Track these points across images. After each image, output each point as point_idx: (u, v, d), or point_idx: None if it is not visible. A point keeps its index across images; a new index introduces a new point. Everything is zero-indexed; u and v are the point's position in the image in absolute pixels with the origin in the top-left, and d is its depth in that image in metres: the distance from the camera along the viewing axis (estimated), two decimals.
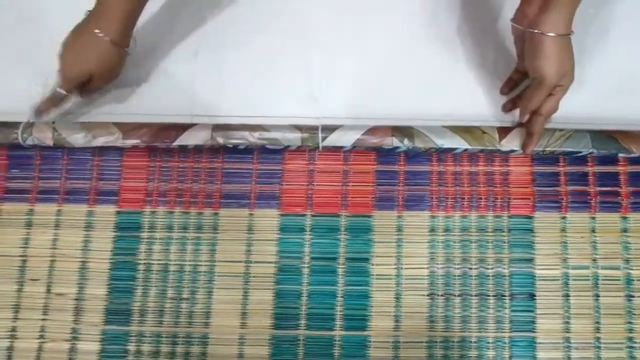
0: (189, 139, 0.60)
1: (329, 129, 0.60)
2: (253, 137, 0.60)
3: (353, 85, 0.65)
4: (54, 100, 0.62)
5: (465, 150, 0.60)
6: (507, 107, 0.62)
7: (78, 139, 0.61)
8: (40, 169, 0.63)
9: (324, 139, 0.60)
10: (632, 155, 0.59)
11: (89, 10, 0.59)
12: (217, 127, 0.61)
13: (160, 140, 0.61)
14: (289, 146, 0.61)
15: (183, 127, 0.61)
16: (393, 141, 0.60)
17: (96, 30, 0.58)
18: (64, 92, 0.61)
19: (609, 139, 0.59)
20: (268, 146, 0.61)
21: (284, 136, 0.60)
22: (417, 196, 0.62)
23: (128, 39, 0.60)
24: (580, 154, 0.60)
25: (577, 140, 0.59)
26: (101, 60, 0.59)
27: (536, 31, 0.54)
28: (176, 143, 0.60)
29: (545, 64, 0.54)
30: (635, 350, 0.58)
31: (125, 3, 0.57)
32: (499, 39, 0.65)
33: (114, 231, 0.62)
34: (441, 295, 0.60)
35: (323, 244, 0.61)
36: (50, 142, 0.61)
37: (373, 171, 0.63)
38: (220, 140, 0.60)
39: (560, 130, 0.60)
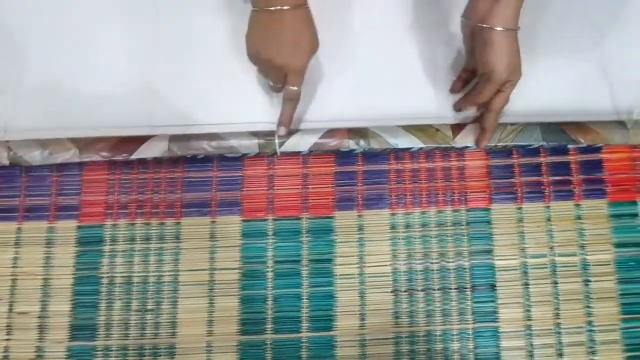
0: (146, 151, 0.61)
1: (286, 134, 0.61)
2: (210, 147, 0.61)
3: (308, 89, 0.65)
4: (291, 105, 0.60)
5: (421, 149, 0.61)
6: (458, 107, 0.64)
7: (35, 156, 0.61)
8: None
9: (281, 144, 0.61)
10: (581, 145, 0.61)
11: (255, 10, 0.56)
12: (174, 139, 0.61)
13: (119, 155, 0.61)
14: (247, 153, 0.62)
15: (140, 140, 0.61)
16: (350, 144, 0.61)
17: (272, 8, 0.54)
18: (295, 89, 0.59)
19: (559, 130, 0.61)
20: (227, 154, 0.61)
21: (241, 144, 0.61)
22: (377, 195, 0.63)
23: None
24: (532, 147, 0.62)
25: (528, 133, 0.61)
26: (302, 33, 0.55)
27: (486, 26, 0.55)
28: (134, 156, 0.61)
29: (496, 59, 0.55)
30: (595, 333, 0.60)
31: None
32: (450, 37, 0.66)
33: (76, 246, 0.62)
34: (405, 292, 0.61)
35: (286, 248, 0.62)
36: (6, 162, 0.60)
37: (332, 173, 0.63)
38: (178, 152, 0.60)
39: (512, 124, 0.62)
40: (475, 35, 0.57)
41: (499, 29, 0.54)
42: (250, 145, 0.61)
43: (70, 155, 0.60)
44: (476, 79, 0.62)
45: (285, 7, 0.54)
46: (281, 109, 0.61)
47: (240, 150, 0.61)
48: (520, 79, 0.57)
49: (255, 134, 0.61)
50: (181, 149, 0.61)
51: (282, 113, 0.61)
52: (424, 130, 0.61)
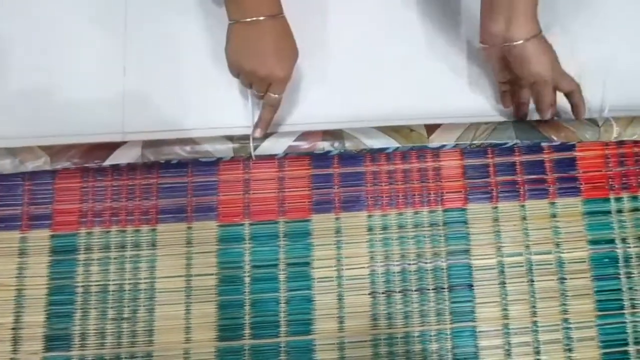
0: (119, 157, 0.60)
1: (260, 138, 0.61)
2: (184, 152, 0.60)
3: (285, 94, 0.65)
4: (271, 110, 0.60)
5: (396, 149, 0.61)
6: (507, 103, 0.65)
7: (5, 165, 0.60)
8: None
9: (255, 147, 0.60)
10: (554, 142, 0.62)
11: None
12: (147, 144, 0.60)
13: (91, 161, 0.60)
14: (222, 157, 0.61)
15: (113, 146, 0.60)
16: (324, 145, 0.61)
17: (248, 19, 0.54)
18: (277, 96, 0.59)
19: (531, 128, 0.61)
20: (201, 159, 0.61)
21: (215, 148, 0.60)
22: (354, 197, 0.63)
23: (279, 4, 0.56)
24: (507, 145, 0.62)
25: (501, 131, 0.61)
26: (283, 42, 0.56)
27: (515, 43, 0.56)
28: (107, 162, 0.60)
29: (540, 67, 0.57)
30: (571, 330, 0.60)
31: None
32: (423, 37, 0.66)
33: (49, 255, 0.61)
34: (382, 293, 0.61)
35: (263, 252, 0.62)
36: None
37: (308, 176, 0.63)
38: (151, 157, 0.60)
39: (485, 123, 0.62)
40: (506, 55, 0.58)
41: (526, 40, 0.55)
42: (225, 149, 0.60)
43: (40, 163, 0.59)
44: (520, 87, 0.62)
45: (261, 18, 0.54)
46: (260, 112, 0.61)
47: (214, 155, 0.60)
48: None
49: (230, 138, 0.61)
50: (154, 154, 0.60)
51: (261, 117, 0.60)
52: (398, 130, 0.61)
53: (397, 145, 0.61)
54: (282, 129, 0.63)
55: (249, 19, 0.54)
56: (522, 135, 0.61)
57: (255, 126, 0.61)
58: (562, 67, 0.59)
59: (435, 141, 0.61)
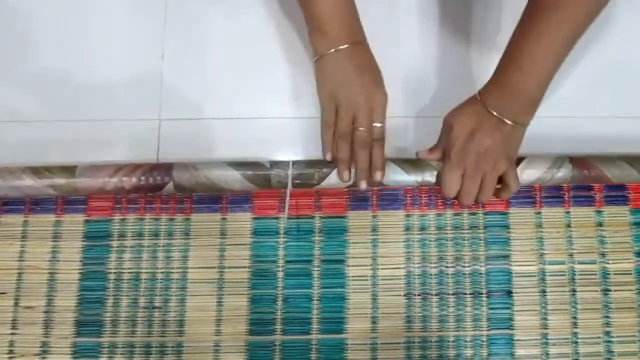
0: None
1: (300, 181, 0.56)
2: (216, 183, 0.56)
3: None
4: (380, 145, 0.55)
5: None
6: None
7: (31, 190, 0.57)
8: None
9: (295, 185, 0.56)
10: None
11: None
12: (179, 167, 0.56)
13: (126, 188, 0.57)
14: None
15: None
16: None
17: (332, 50, 0.53)
18: (381, 125, 0.54)
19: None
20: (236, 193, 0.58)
21: (246, 186, 0.56)
22: (392, 195, 0.61)
23: (361, 30, 0.55)
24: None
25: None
26: (372, 66, 0.55)
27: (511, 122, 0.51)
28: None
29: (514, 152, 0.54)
30: (612, 344, 0.58)
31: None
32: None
33: (82, 240, 0.61)
34: (418, 295, 0.59)
35: (297, 247, 0.60)
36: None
37: None
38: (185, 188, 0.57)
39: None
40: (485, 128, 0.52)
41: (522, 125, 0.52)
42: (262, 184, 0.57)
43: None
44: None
45: (346, 45, 0.53)
46: (358, 156, 0.54)
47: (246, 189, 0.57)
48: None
49: (267, 180, 0.56)
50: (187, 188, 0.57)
51: (373, 158, 0.54)
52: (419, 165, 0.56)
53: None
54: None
55: (334, 50, 0.53)
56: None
57: (376, 169, 0.54)
58: None
59: None
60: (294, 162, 0.56)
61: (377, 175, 0.54)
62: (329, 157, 0.55)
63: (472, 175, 0.52)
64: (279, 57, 0.64)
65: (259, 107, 0.63)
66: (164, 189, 0.56)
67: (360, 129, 0.54)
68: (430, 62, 0.64)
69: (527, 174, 0.56)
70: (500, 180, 0.53)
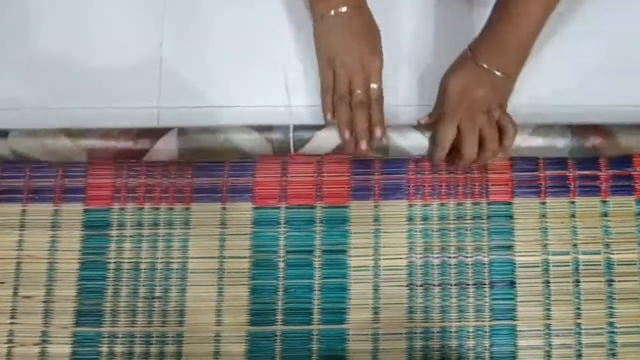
0: (155, 154, 0.58)
1: (300, 143, 0.57)
2: (222, 147, 0.57)
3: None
4: (379, 104, 0.56)
5: None
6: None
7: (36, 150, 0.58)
8: (2, 167, 0.61)
9: (297, 148, 0.57)
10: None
11: None
12: (182, 132, 0.57)
13: (125, 157, 0.59)
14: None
15: (150, 134, 0.58)
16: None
17: (332, 12, 0.55)
18: (378, 86, 0.56)
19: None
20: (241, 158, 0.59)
21: (252, 148, 0.57)
22: (394, 185, 0.60)
23: None
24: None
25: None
26: (372, 30, 0.56)
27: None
28: (145, 158, 0.58)
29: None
30: (616, 335, 0.58)
31: None
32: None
33: (82, 230, 0.60)
34: (420, 286, 0.59)
35: (298, 237, 0.60)
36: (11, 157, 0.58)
37: (348, 160, 0.61)
38: (188, 152, 0.57)
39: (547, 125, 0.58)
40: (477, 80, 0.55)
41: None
42: (263, 147, 0.57)
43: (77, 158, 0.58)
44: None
45: (345, 8, 0.54)
46: (357, 117, 0.55)
47: (251, 155, 0.58)
48: None
49: (270, 141, 0.57)
50: (191, 154, 0.58)
51: (373, 116, 0.55)
52: None
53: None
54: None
55: (332, 12, 0.54)
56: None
57: (375, 126, 0.55)
58: None
59: None
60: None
61: (377, 132, 0.55)
62: (329, 117, 0.57)
63: (468, 127, 0.54)
64: (280, 44, 0.63)
65: (259, 95, 0.62)
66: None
67: (357, 91, 0.55)
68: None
69: (535, 141, 0.57)
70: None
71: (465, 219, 0.60)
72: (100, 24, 0.63)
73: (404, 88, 0.62)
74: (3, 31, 0.63)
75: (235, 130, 0.58)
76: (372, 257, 0.59)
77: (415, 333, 0.58)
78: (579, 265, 0.59)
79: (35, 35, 0.63)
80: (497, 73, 0.53)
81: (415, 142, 0.57)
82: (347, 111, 0.56)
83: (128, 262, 0.59)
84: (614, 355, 0.57)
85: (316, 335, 0.58)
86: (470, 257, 0.59)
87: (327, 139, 0.57)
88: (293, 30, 0.63)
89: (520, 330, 0.58)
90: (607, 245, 0.59)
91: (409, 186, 0.60)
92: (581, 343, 0.58)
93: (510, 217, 0.60)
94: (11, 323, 0.58)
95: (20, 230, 0.60)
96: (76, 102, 0.62)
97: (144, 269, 0.59)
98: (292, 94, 0.61)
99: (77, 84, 0.62)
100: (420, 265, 0.59)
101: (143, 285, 0.59)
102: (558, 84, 0.62)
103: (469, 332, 0.58)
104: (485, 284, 0.59)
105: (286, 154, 0.58)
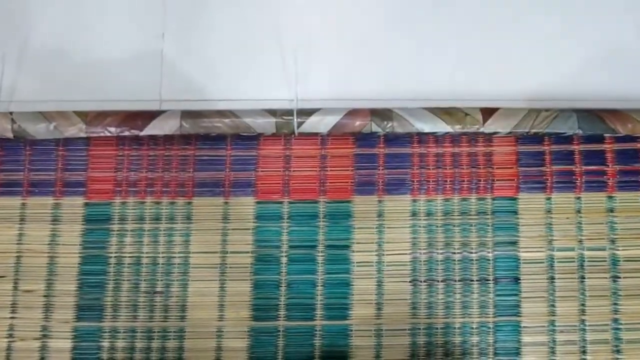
0: (157, 128, 0.57)
1: (305, 113, 0.57)
2: (224, 125, 0.57)
3: (329, 66, 0.62)
4: None
5: (447, 133, 0.58)
6: None
7: (39, 129, 0.58)
8: (2, 160, 0.60)
9: (300, 124, 0.57)
10: (619, 134, 0.57)
11: None
12: (186, 115, 0.58)
13: (127, 130, 0.58)
14: (263, 132, 0.58)
15: (150, 115, 0.58)
16: (372, 126, 0.57)
17: None
18: None
19: (596, 118, 0.57)
20: (242, 134, 0.58)
21: (257, 122, 0.57)
22: (398, 180, 0.60)
23: None
24: (565, 134, 0.58)
25: (563, 120, 0.57)
26: None
27: None
28: (144, 133, 0.57)
29: None
30: (620, 331, 0.57)
31: None
32: (479, 15, 0.62)
33: (82, 224, 0.59)
34: (424, 282, 0.58)
35: (301, 232, 0.59)
36: (10, 135, 0.57)
37: (351, 155, 0.60)
38: (190, 130, 0.57)
39: (546, 110, 0.58)
40: None
41: None
42: (266, 124, 0.57)
43: (76, 130, 0.57)
44: None
45: None
46: None
47: (255, 129, 0.57)
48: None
49: (272, 112, 0.58)
50: (193, 127, 0.57)
51: None
52: (451, 113, 0.57)
53: (449, 129, 0.57)
54: (327, 105, 0.60)
55: None
56: (585, 126, 0.57)
57: None
58: None
59: (491, 127, 0.57)
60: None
61: None
62: None
63: None
64: (283, 37, 0.62)
65: (261, 88, 0.61)
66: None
67: None
68: None
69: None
70: None
71: (470, 215, 0.59)
72: (102, 16, 0.62)
73: None
74: (3, 23, 0.62)
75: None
76: (375, 253, 0.59)
77: (419, 329, 0.58)
78: (584, 261, 0.58)
79: (36, 27, 0.62)
80: None
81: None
82: None
83: (129, 257, 0.59)
84: (618, 351, 0.57)
85: (319, 330, 0.58)
86: (475, 252, 0.59)
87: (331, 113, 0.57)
88: (297, 22, 0.62)
89: (524, 327, 0.58)
90: (613, 241, 0.58)
91: (412, 181, 0.60)
92: (586, 340, 0.57)
93: (515, 212, 0.59)
94: (11, 317, 0.58)
95: (20, 223, 0.59)
96: (77, 95, 0.61)
97: (146, 264, 0.59)
98: (298, 84, 0.61)
99: (76, 77, 0.61)
100: (424, 261, 0.59)
101: (144, 280, 0.58)
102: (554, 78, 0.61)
103: (472, 328, 0.58)
104: (489, 280, 0.58)
105: (290, 126, 0.57)
